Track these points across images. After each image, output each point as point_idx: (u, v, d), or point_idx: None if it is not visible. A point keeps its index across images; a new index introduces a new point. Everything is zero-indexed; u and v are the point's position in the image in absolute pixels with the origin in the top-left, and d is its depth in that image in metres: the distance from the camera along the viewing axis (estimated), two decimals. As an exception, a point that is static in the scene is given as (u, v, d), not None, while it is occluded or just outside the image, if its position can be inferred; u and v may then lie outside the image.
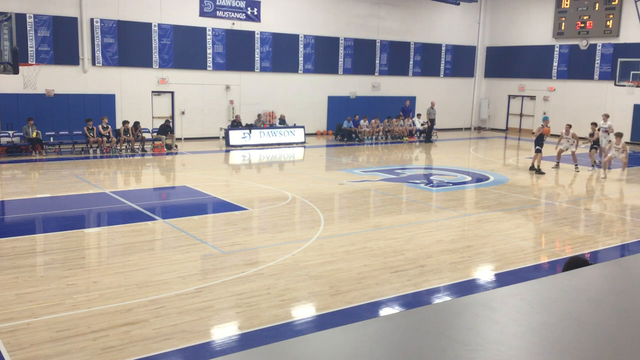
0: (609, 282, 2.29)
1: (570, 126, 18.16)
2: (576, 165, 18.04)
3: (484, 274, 8.53)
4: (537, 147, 17.49)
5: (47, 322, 6.31)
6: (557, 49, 29.15)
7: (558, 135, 19.33)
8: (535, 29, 30.01)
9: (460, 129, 31.94)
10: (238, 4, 24.35)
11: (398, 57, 29.27)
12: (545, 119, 18.56)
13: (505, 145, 26.55)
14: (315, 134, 26.87)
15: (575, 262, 3.88)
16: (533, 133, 19.00)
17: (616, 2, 26.62)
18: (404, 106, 27.54)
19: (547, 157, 19.06)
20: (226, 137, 22.62)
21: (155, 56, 22.75)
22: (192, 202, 12.95)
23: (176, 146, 21.30)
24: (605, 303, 2.00)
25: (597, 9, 27.30)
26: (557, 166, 18.47)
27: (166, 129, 21.24)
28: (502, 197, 13.82)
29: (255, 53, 25.03)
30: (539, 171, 17.38)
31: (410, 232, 10.44)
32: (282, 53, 25.70)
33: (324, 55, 26.89)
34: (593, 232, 11.03)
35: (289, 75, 26.12)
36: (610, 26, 26.89)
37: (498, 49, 32.00)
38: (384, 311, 6.99)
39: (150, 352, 5.69)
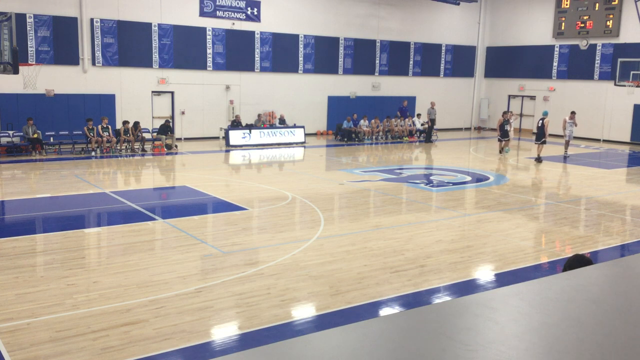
0: (609, 282, 2.29)
1: (574, 113, 21.24)
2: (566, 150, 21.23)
3: (484, 274, 8.53)
4: (544, 139, 19.95)
5: (47, 322, 6.31)
6: (557, 49, 29.14)
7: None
8: (535, 29, 30.00)
9: (460, 129, 31.94)
10: (238, 4, 24.35)
11: (398, 57, 29.26)
12: (546, 114, 20.71)
13: (505, 145, 26.49)
14: (315, 134, 26.87)
15: (577, 260, 3.87)
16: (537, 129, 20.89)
17: (616, 2, 26.62)
18: (401, 106, 27.47)
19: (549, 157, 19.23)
20: (226, 137, 22.62)
21: (155, 56, 22.75)
22: (192, 202, 12.95)
23: (176, 146, 21.30)
24: (605, 303, 2.00)
25: (597, 9, 27.30)
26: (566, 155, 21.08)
27: (166, 129, 21.24)
28: (502, 197, 13.82)
29: (255, 53, 25.03)
30: (539, 159, 19.85)
31: (410, 232, 10.44)
32: (282, 53, 25.70)
33: (324, 55, 26.88)
34: (593, 232, 11.02)
35: (289, 75, 26.11)
36: (610, 26, 26.88)
37: (498, 49, 31.99)
38: (384, 311, 6.99)
39: (150, 352, 5.69)
